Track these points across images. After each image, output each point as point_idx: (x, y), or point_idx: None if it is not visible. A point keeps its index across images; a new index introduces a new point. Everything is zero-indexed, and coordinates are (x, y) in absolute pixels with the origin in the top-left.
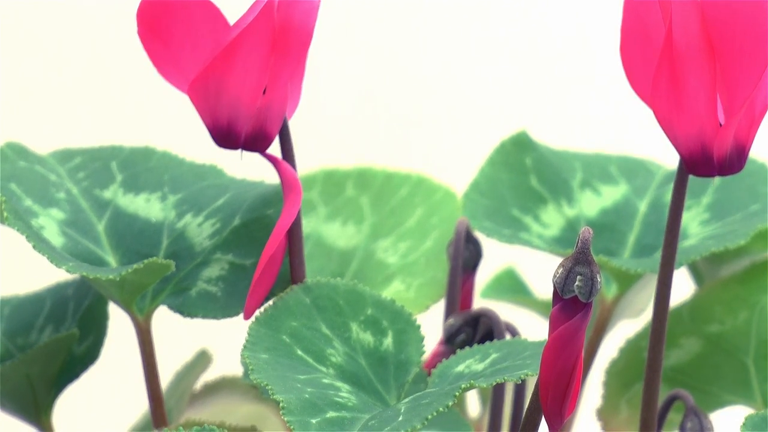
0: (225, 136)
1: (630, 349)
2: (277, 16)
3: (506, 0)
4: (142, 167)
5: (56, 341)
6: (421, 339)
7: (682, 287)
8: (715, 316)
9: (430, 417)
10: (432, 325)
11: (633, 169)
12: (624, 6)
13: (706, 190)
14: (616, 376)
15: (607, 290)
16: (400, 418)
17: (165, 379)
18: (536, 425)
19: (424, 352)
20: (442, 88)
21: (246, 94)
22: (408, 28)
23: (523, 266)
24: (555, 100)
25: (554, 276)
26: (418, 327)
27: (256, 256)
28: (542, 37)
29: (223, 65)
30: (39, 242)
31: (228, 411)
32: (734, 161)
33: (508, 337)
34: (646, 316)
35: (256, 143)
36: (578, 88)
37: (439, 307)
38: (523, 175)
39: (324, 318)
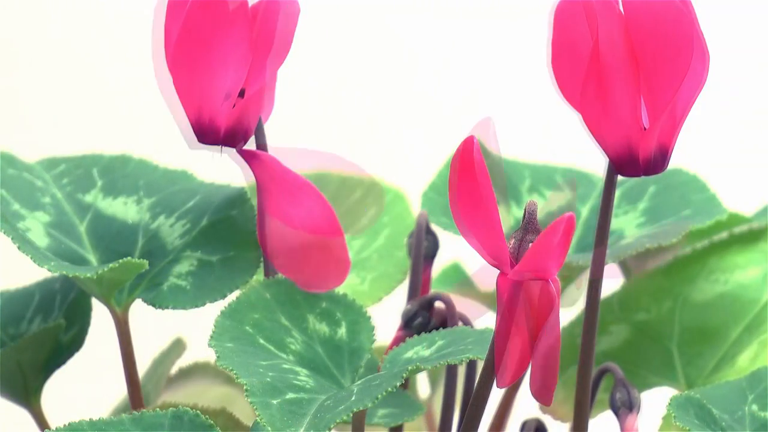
0: (207, 131)
1: (564, 336)
2: (258, 20)
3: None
4: (120, 173)
5: (45, 331)
6: (372, 328)
7: (612, 279)
8: (642, 306)
9: (380, 396)
10: (386, 314)
11: (576, 179)
12: (553, 21)
13: (643, 197)
14: None
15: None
16: (353, 398)
17: (144, 365)
18: (486, 401)
19: (374, 340)
20: (414, 96)
21: (228, 91)
22: (381, 30)
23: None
24: (521, 108)
25: (508, 248)
26: (369, 318)
27: (222, 253)
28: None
29: (198, 53)
30: (23, 243)
31: (200, 393)
32: (658, 162)
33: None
34: (578, 306)
35: (235, 138)
36: (543, 96)
37: (392, 298)
38: None
39: (283, 311)
